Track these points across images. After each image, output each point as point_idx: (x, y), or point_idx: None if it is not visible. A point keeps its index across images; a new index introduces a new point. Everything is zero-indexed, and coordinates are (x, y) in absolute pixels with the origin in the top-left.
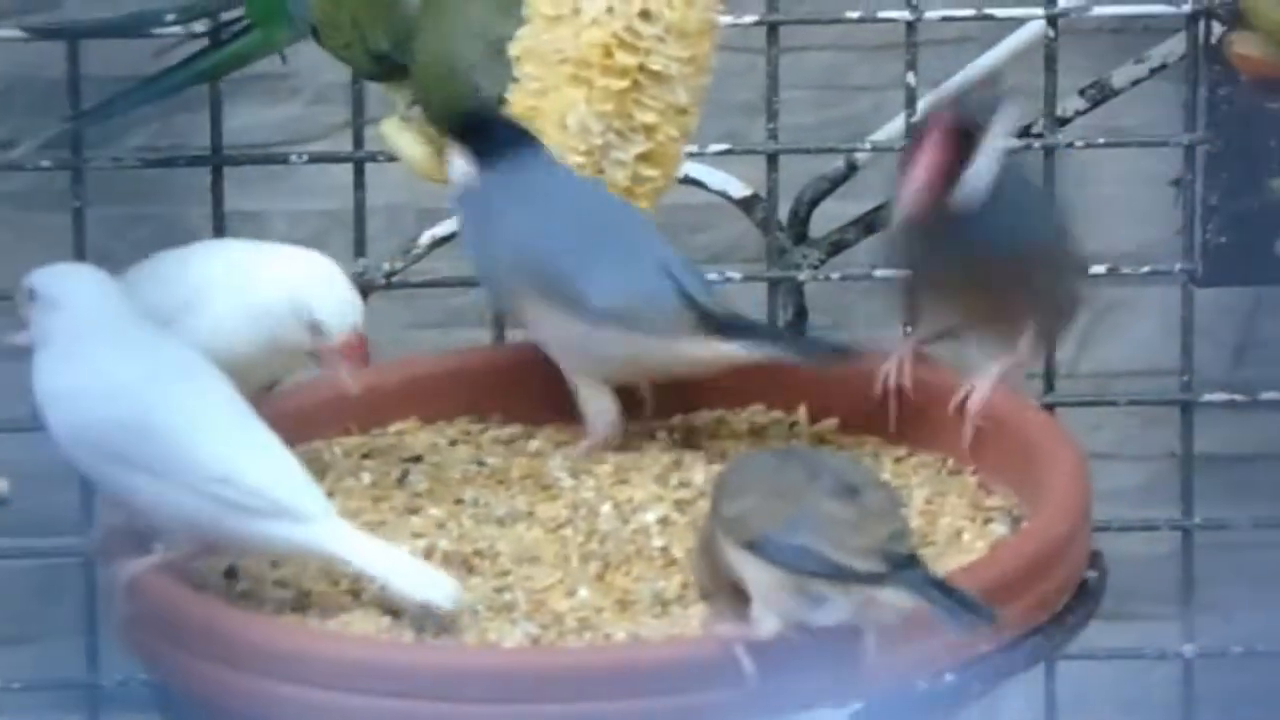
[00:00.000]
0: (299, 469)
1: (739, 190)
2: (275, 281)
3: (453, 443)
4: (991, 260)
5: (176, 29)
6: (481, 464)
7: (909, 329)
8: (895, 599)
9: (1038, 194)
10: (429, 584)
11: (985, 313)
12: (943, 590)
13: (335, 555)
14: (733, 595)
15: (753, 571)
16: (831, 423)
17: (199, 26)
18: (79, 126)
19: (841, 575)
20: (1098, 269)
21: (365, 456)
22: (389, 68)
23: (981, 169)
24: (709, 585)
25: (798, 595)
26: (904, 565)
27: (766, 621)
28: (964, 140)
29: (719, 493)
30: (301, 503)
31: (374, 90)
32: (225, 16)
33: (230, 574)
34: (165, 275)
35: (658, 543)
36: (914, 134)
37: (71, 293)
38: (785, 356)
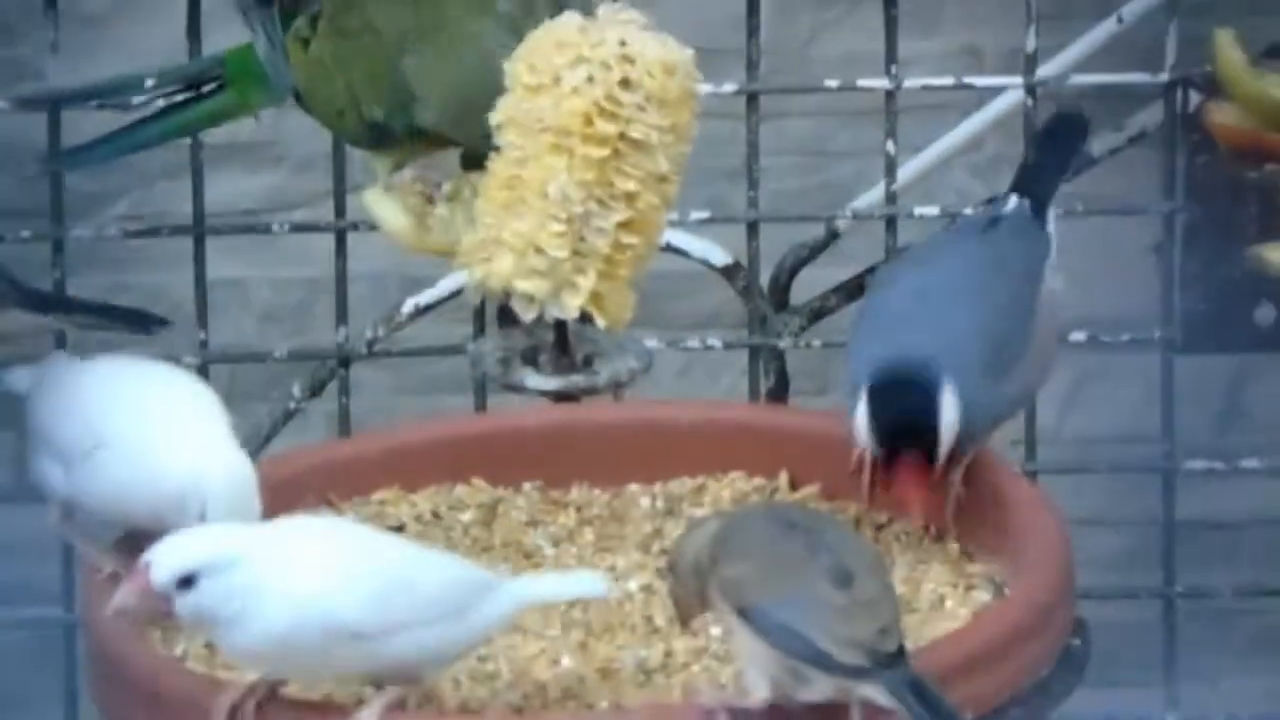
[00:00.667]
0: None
1: (720, 258)
2: (166, 465)
3: (435, 511)
4: None
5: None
6: (464, 532)
7: None
8: (874, 695)
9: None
10: (586, 584)
11: None
12: (919, 697)
13: (534, 602)
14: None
15: (743, 638)
16: (813, 490)
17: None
18: (56, 169)
19: (823, 664)
20: (1078, 336)
21: None
22: (380, 135)
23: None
24: (691, 609)
25: (783, 669)
26: (888, 663)
27: (757, 690)
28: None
29: (720, 548)
30: (485, 573)
31: (356, 159)
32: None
33: (213, 646)
34: (71, 411)
35: (640, 611)
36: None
37: (227, 548)
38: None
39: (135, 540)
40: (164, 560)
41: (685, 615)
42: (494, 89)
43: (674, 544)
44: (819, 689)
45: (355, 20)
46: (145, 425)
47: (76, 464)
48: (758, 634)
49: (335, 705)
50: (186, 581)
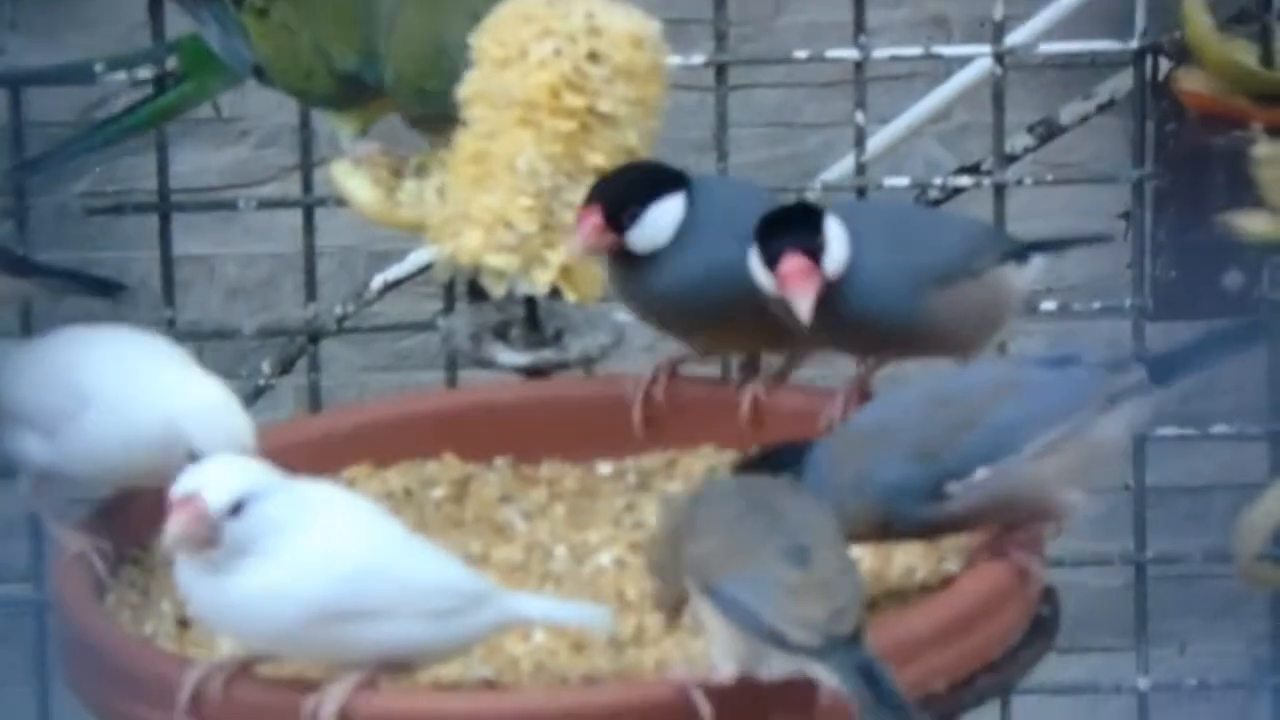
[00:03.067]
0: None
1: None
2: (152, 410)
3: (406, 488)
4: (863, 320)
5: (121, 75)
6: (436, 508)
7: (860, 365)
8: (825, 676)
9: (909, 237)
10: (589, 617)
11: (893, 355)
12: (869, 681)
13: (524, 620)
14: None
15: (707, 615)
16: None
17: (144, 73)
18: (20, 177)
19: (776, 642)
20: (1049, 304)
21: None
22: (350, 91)
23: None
24: (669, 598)
25: (746, 647)
26: (840, 644)
27: (725, 665)
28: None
29: (689, 524)
30: (483, 583)
31: (322, 133)
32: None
33: (184, 624)
34: (48, 379)
35: (613, 585)
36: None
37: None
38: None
39: (104, 518)
40: (216, 486)
41: (673, 605)
42: (460, 49)
43: (647, 539)
44: (778, 665)
45: None
46: (126, 379)
47: (61, 429)
48: (720, 611)
49: (303, 681)
50: (237, 508)
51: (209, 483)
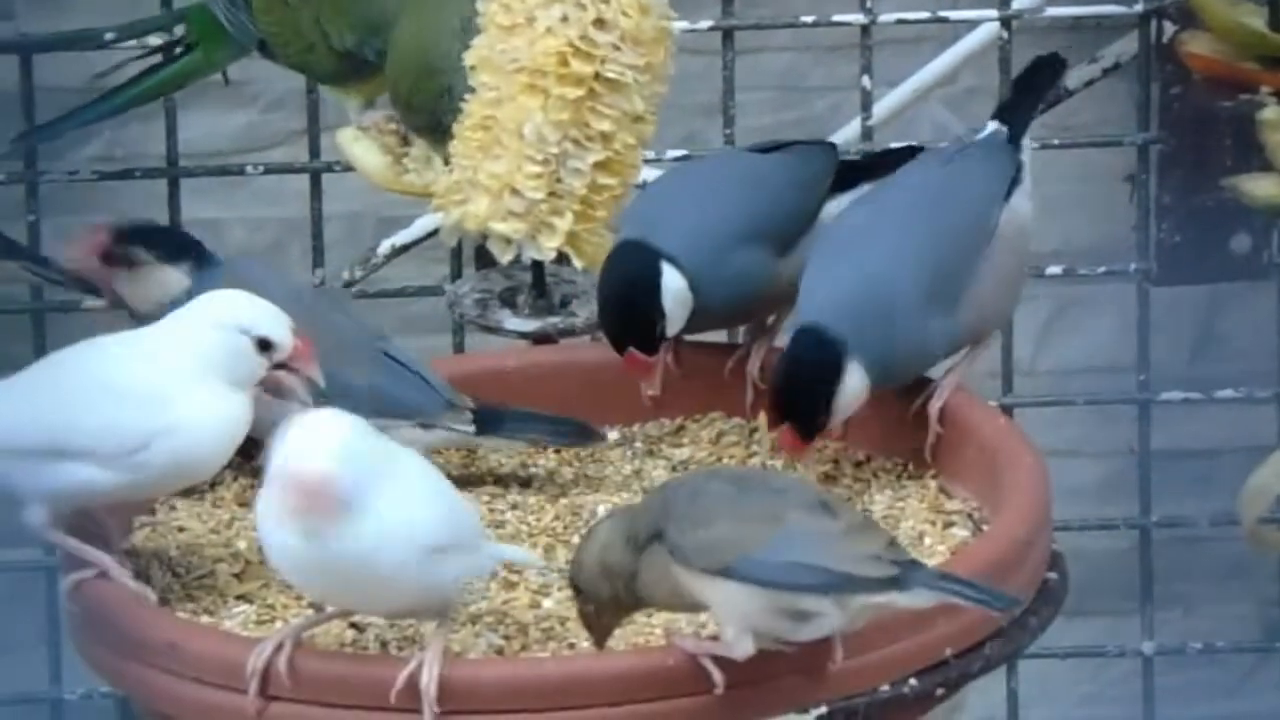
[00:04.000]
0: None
1: None
2: (209, 324)
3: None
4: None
5: (131, 42)
6: (445, 475)
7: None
8: (913, 601)
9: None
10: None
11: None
12: (960, 583)
13: (514, 562)
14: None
15: (725, 595)
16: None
17: (154, 40)
18: (29, 143)
19: (852, 585)
20: (1054, 268)
21: None
22: (351, 67)
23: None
24: (606, 614)
25: (780, 614)
26: (909, 568)
27: (742, 643)
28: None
29: (667, 521)
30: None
31: (329, 99)
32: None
33: (186, 586)
34: (117, 414)
35: None
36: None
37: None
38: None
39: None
40: (327, 457)
41: (603, 630)
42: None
43: (571, 566)
44: (823, 624)
45: None
46: (166, 388)
47: (126, 458)
48: (750, 585)
49: (365, 655)
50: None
51: (316, 453)
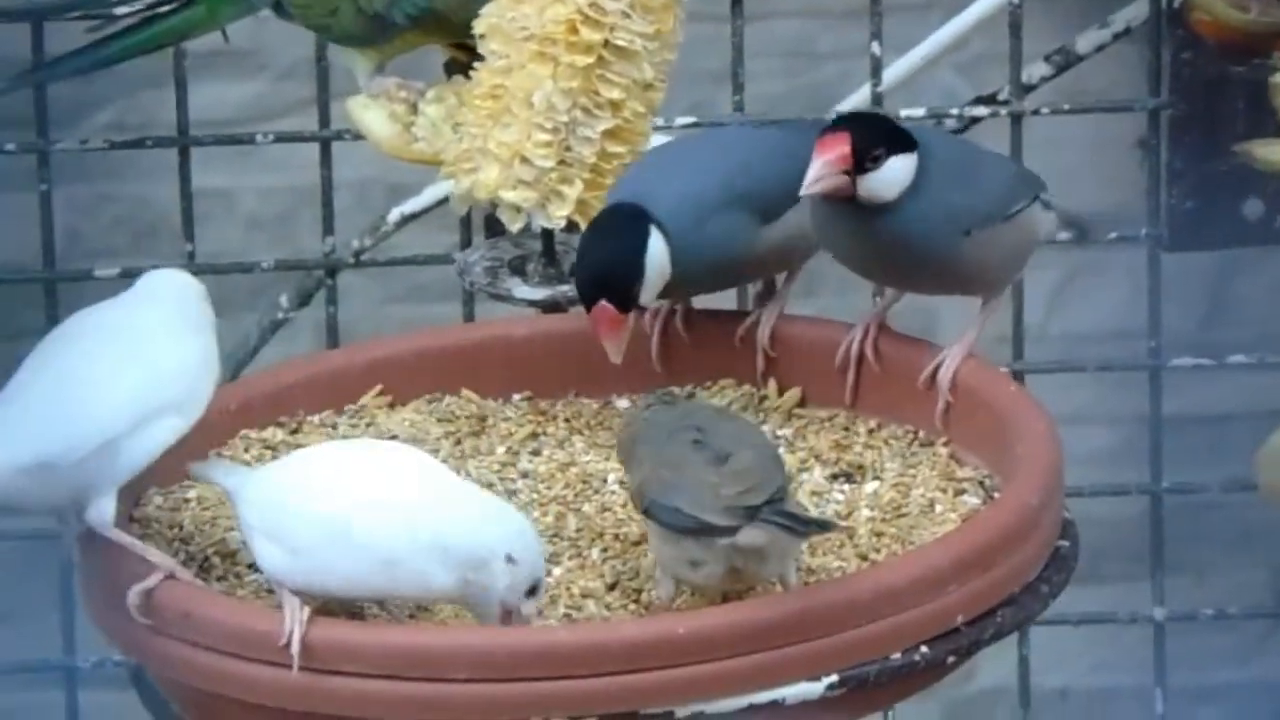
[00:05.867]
0: None
1: None
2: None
3: (423, 422)
4: (911, 256)
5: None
6: (457, 442)
7: (877, 297)
8: (750, 539)
9: (965, 176)
10: None
11: (924, 290)
12: (787, 516)
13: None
14: None
15: (651, 536)
16: (800, 395)
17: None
18: (36, 83)
19: (705, 530)
20: (1064, 234)
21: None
22: (375, 28)
23: (889, 172)
24: None
25: (681, 558)
26: (757, 510)
27: (662, 585)
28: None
29: (625, 463)
30: None
31: (339, 66)
32: None
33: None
34: (175, 353)
35: (627, 520)
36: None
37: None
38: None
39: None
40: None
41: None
42: None
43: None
44: (709, 571)
45: None
46: (173, 329)
47: (191, 398)
48: (660, 527)
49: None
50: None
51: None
